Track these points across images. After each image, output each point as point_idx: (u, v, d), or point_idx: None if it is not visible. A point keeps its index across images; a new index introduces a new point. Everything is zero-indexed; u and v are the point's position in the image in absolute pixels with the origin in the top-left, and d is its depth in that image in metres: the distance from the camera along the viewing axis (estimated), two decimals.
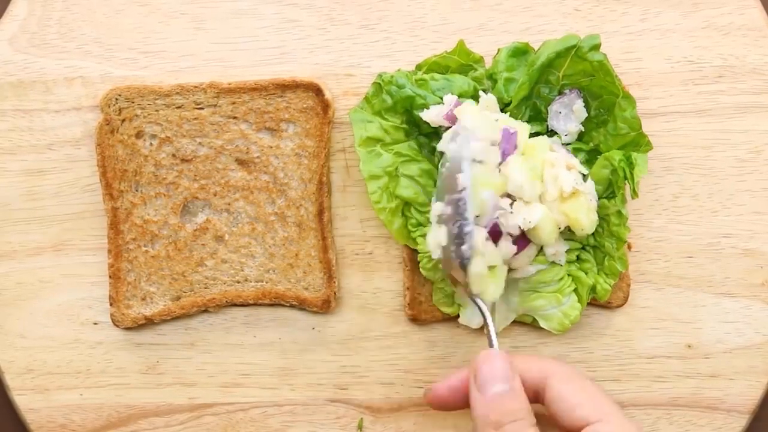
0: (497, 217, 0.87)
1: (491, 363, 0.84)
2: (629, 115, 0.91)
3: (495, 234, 0.88)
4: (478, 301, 0.87)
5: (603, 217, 0.91)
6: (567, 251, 0.92)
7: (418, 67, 0.94)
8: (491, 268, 0.87)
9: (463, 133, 0.88)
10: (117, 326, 0.97)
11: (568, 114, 0.93)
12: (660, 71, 0.97)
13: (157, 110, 0.96)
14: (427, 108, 0.92)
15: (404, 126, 0.93)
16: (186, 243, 0.96)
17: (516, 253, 0.89)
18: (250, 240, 0.96)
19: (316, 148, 0.96)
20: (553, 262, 0.92)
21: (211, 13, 0.98)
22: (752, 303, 0.96)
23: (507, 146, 0.89)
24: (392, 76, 0.92)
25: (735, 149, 0.97)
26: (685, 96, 0.97)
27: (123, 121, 0.96)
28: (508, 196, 0.89)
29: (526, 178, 0.88)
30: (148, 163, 0.96)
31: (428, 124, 0.92)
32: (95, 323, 0.98)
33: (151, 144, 0.96)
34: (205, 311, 0.97)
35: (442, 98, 0.92)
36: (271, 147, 0.96)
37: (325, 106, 0.95)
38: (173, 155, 0.96)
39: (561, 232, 0.91)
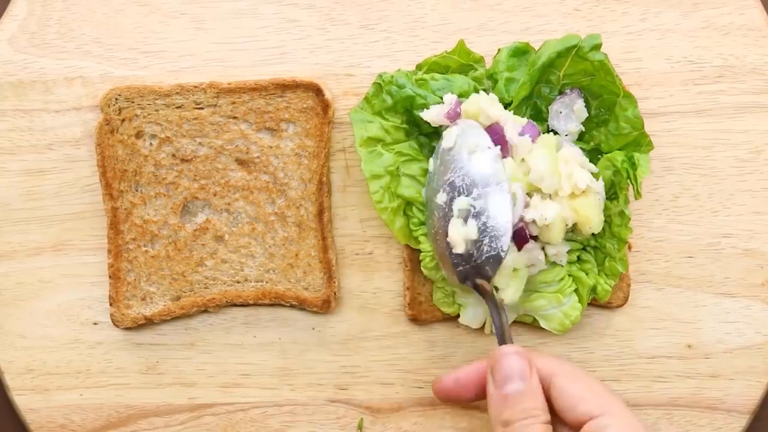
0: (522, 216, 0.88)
1: (509, 360, 0.84)
2: (631, 114, 0.91)
3: (520, 237, 0.88)
4: (496, 297, 0.88)
5: (605, 218, 0.91)
6: (568, 252, 0.92)
7: (419, 67, 0.94)
8: (514, 270, 0.88)
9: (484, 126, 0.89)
10: (117, 326, 0.97)
11: (569, 114, 0.93)
12: (660, 71, 0.97)
13: (157, 110, 0.96)
14: (428, 108, 0.92)
15: (404, 126, 0.93)
16: (186, 243, 0.96)
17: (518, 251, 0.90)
18: (250, 240, 0.96)
19: (316, 148, 0.95)
20: (554, 263, 0.92)
21: (211, 13, 0.98)
22: (752, 303, 0.96)
23: (532, 134, 0.89)
24: (392, 76, 0.92)
25: (735, 149, 0.97)
26: (685, 96, 0.97)
27: (123, 121, 0.96)
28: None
29: (548, 167, 0.88)
30: (148, 163, 0.96)
31: (429, 123, 0.92)
32: (95, 323, 0.98)
33: (151, 144, 0.96)
34: (205, 311, 0.97)
35: (442, 98, 0.92)
36: (271, 147, 0.96)
37: (325, 106, 0.95)
38: (173, 155, 0.96)
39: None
